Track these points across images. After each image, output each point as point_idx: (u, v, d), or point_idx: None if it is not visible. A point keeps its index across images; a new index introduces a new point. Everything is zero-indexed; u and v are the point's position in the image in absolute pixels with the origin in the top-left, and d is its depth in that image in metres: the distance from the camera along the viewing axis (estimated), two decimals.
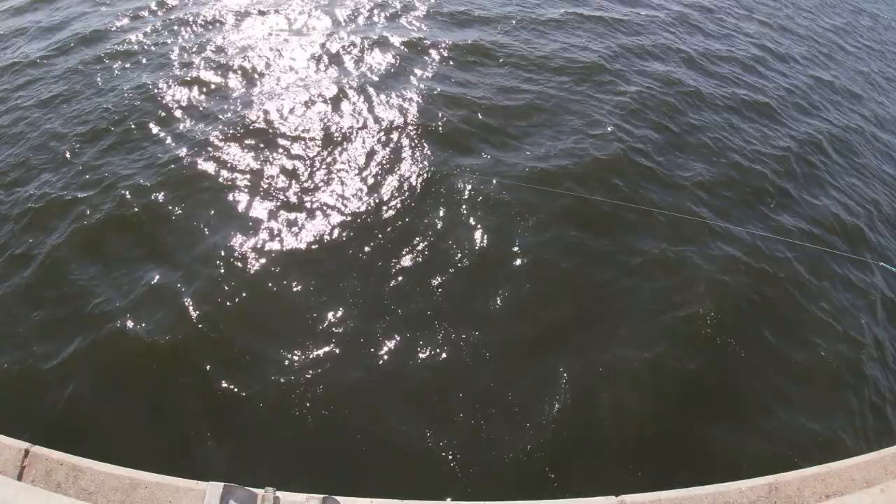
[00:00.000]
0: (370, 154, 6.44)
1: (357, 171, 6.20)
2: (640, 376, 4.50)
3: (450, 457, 3.84)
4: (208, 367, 4.27)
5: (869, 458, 2.97)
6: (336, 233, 5.45)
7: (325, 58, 8.19)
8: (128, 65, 8.01)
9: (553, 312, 4.95)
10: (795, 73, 10.86)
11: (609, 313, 5.04)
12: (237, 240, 5.30)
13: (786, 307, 5.51)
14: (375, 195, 5.89)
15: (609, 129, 7.32)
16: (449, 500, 2.75)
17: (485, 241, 5.51)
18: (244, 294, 4.82)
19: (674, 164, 7.02)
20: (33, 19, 9.67)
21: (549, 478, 3.78)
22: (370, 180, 6.08)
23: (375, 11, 9.74)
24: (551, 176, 6.30)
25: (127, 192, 5.73)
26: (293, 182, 6.01)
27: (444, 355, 4.48)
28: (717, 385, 4.64)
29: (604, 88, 8.26)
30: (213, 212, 5.61)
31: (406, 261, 5.23)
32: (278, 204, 5.74)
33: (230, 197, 5.79)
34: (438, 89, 7.63)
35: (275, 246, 5.29)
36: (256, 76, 7.73)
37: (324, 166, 6.25)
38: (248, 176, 6.08)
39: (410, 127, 6.86)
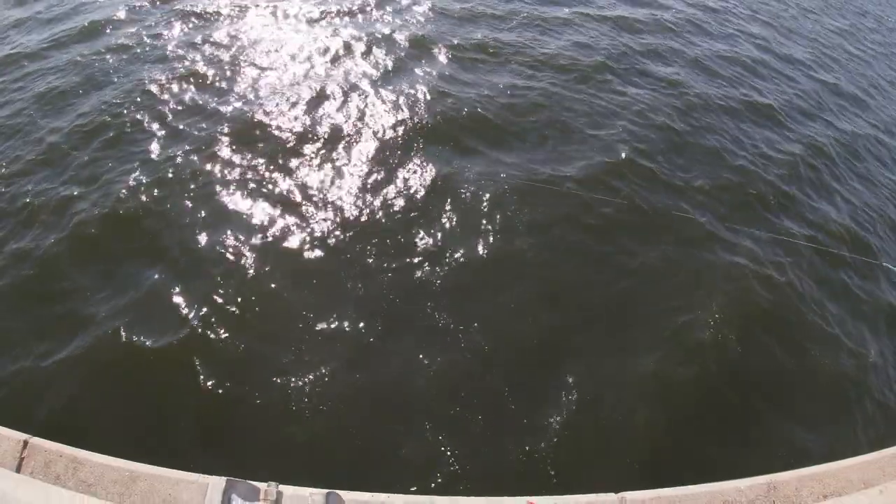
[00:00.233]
0: (372, 153, 6.47)
1: (358, 171, 6.23)
2: (644, 383, 4.55)
3: (451, 458, 3.88)
4: (206, 368, 4.28)
5: (866, 459, 3.03)
6: (337, 233, 5.47)
7: (327, 54, 8.21)
8: (126, 58, 8.00)
9: (557, 316, 4.99)
10: (800, 76, 10.95)
11: (614, 318, 5.08)
12: (236, 239, 5.31)
13: (791, 313, 5.57)
14: (377, 195, 5.91)
15: (614, 130, 7.37)
16: (449, 495, 2.79)
17: (489, 242, 5.54)
18: (243, 295, 4.83)
19: (679, 167, 7.08)
20: (34, 10, 9.68)
21: (553, 483, 3.83)
22: (372, 180, 6.11)
23: (377, 8, 9.76)
24: (556, 178, 6.34)
25: (124, 190, 5.72)
26: (293, 181, 6.03)
27: (446, 358, 4.51)
28: (721, 392, 4.68)
29: (608, 89, 8.31)
30: (211, 211, 5.62)
31: (408, 261, 5.25)
32: (278, 203, 5.75)
33: (229, 196, 5.80)
34: (441, 88, 7.66)
35: (274, 245, 5.32)
36: (256, 73, 7.73)
37: (325, 165, 6.27)
38: (247, 175, 6.08)
39: (413, 126, 6.89)
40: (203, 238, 5.33)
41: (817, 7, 16.18)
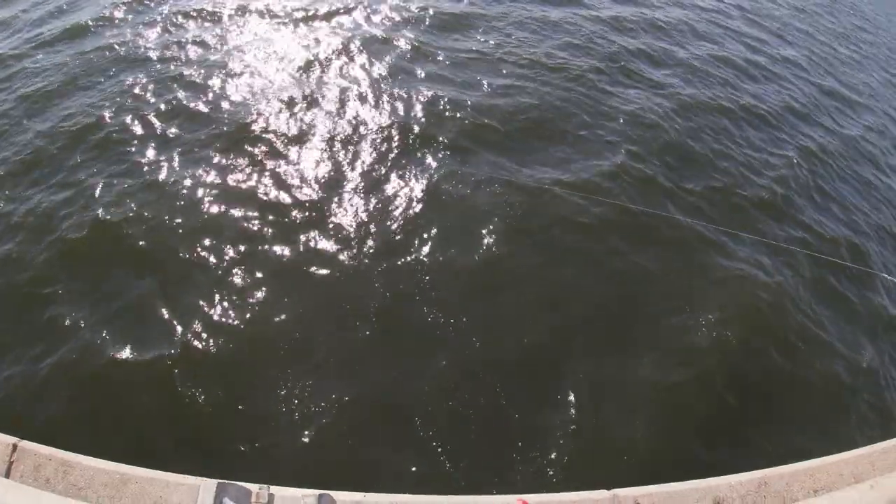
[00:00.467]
0: (364, 158, 6.48)
1: (351, 176, 6.23)
2: (643, 386, 4.62)
3: (447, 461, 3.93)
4: (196, 377, 4.28)
5: (857, 454, 3.11)
6: (330, 238, 5.48)
7: (318, 57, 8.21)
8: (112, 59, 7.96)
9: (556, 319, 5.05)
10: (794, 78, 11.16)
11: (612, 322, 5.15)
12: (226, 246, 5.28)
13: (787, 319, 5.68)
14: (371, 200, 5.93)
15: (609, 133, 7.48)
16: (441, 494, 2.83)
17: (485, 245, 5.58)
18: (233, 302, 4.82)
19: (674, 170, 7.18)
20: (18, 9, 9.67)
21: (552, 483, 3.88)
22: (365, 185, 6.12)
23: (368, 10, 9.79)
24: (552, 181, 6.40)
25: (110, 197, 5.69)
26: (285, 186, 6.02)
27: (443, 362, 4.55)
28: (720, 396, 4.76)
29: (603, 91, 8.41)
30: (201, 217, 5.58)
31: (403, 266, 5.28)
32: (269, 209, 5.74)
33: (219, 202, 5.76)
34: (435, 90, 7.71)
35: (265, 251, 5.30)
36: (246, 76, 7.73)
37: (317, 170, 6.28)
38: (237, 180, 6.06)
39: (405, 129, 6.91)
40: (192, 245, 5.29)
41: (809, 7, 16.48)
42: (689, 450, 4.35)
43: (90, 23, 8.91)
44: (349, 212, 5.79)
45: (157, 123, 6.79)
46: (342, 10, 9.61)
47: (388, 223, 5.71)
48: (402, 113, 7.24)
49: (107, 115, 6.87)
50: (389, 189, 6.11)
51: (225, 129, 6.73)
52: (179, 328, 4.61)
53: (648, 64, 9.62)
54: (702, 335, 5.17)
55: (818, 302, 6.11)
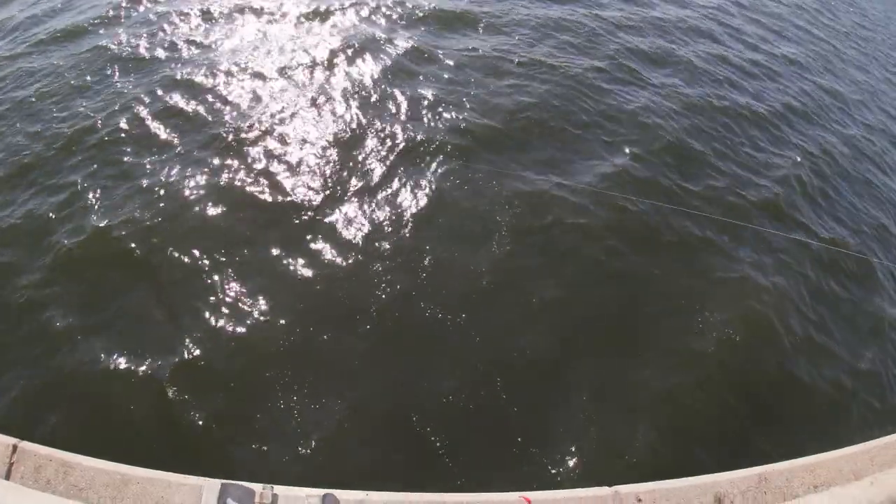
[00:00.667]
0: (368, 161, 6.45)
1: (355, 180, 6.18)
2: (652, 397, 4.64)
3: (453, 466, 3.96)
4: (196, 386, 4.29)
5: (856, 450, 3.16)
6: (333, 245, 5.45)
7: (318, 60, 8.17)
8: (108, 63, 7.92)
9: (562, 327, 5.06)
10: (797, 77, 11.24)
11: (619, 329, 5.17)
12: (226, 256, 5.22)
13: (791, 321, 5.73)
14: (374, 207, 5.91)
15: (613, 135, 7.51)
16: (444, 492, 2.87)
17: (492, 250, 5.59)
18: (236, 310, 4.81)
19: (678, 172, 7.21)
20: (14, 10, 9.70)
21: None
22: (369, 191, 6.08)
23: (368, 11, 9.79)
24: (557, 185, 6.42)
25: (108, 203, 5.65)
26: (285, 191, 5.98)
27: (448, 370, 4.57)
28: (729, 408, 4.79)
29: (607, 92, 8.44)
30: (200, 227, 5.52)
31: (408, 271, 5.26)
32: (271, 214, 5.71)
33: (218, 210, 5.67)
34: (437, 93, 7.71)
35: (267, 258, 5.27)
36: (245, 79, 7.68)
37: (319, 174, 6.23)
38: (237, 186, 5.99)
39: (408, 133, 6.87)
40: (191, 249, 5.26)
41: (808, 4, 16.62)
42: (692, 452, 4.39)
43: (87, 24, 8.92)
44: (349, 214, 5.79)
45: (154, 126, 6.76)
46: (340, 10, 9.62)
47: (388, 226, 5.73)
48: (402, 114, 7.26)
49: (102, 117, 6.86)
50: (389, 191, 6.12)
51: (222, 131, 6.73)
52: (179, 333, 4.60)
53: (649, 63, 9.67)
54: (704, 338, 5.21)
55: (820, 302, 6.16)
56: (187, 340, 4.56)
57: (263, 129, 6.81)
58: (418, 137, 6.84)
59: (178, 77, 7.60)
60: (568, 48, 9.52)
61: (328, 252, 5.41)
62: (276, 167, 6.31)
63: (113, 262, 5.20)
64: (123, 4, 9.48)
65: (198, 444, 4.03)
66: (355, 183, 6.19)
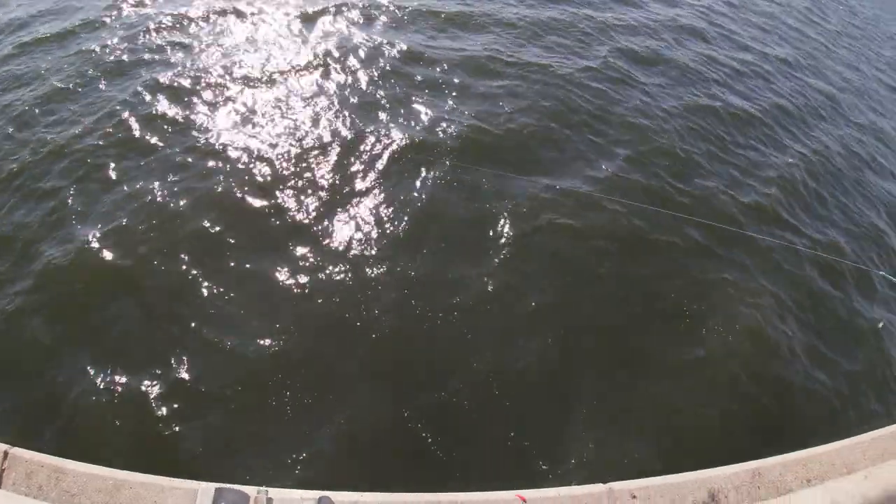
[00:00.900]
0: (363, 171, 6.40)
1: (351, 191, 6.11)
2: (656, 410, 4.67)
3: (459, 475, 3.98)
4: (192, 403, 4.27)
5: (847, 444, 3.24)
6: (329, 254, 5.42)
7: (312, 68, 8.09)
8: (96, 69, 7.84)
9: (568, 339, 5.06)
10: (794, 80, 11.41)
11: (622, 341, 5.19)
12: (220, 276, 5.14)
13: (795, 332, 5.80)
14: (373, 215, 5.90)
15: (611, 142, 7.56)
16: (438, 491, 2.92)
17: (491, 261, 5.59)
18: (231, 326, 4.77)
19: (677, 178, 7.25)
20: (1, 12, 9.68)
21: None
22: (366, 200, 6.05)
23: (362, 16, 9.77)
24: (559, 193, 6.43)
25: (93, 221, 5.56)
26: (277, 203, 5.90)
27: (451, 385, 4.58)
28: (733, 419, 4.79)
29: (605, 96, 8.51)
30: (193, 245, 5.43)
31: (406, 284, 5.25)
32: (264, 226, 5.64)
33: (210, 228, 5.57)
34: (432, 97, 7.73)
35: (261, 270, 5.22)
36: (239, 87, 7.58)
37: (312, 185, 6.14)
38: (229, 204, 5.89)
39: (406, 143, 6.80)
40: (181, 266, 5.19)
41: (800, 4, 16.92)
42: (691, 460, 4.43)
43: (74, 28, 8.87)
44: (341, 222, 5.76)
45: (141, 132, 6.70)
46: (328, 13, 9.62)
47: (382, 233, 5.72)
48: (393, 118, 7.26)
49: (89, 122, 6.81)
50: (382, 198, 6.09)
51: (210, 137, 6.66)
52: (169, 345, 4.59)
53: (641, 64, 9.77)
54: (703, 347, 5.26)
55: (816, 307, 6.24)
56: (178, 352, 4.55)
57: (253, 134, 6.78)
58: (410, 142, 6.84)
59: (166, 82, 7.56)
60: (560, 49, 9.63)
61: (320, 261, 5.39)
62: (265, 174, 6.26)
63: (100, 273, 5.14)
64: (111, 9, 9.47)
65: (189, 456, 3.99)
66: (347, 190, 6.18)
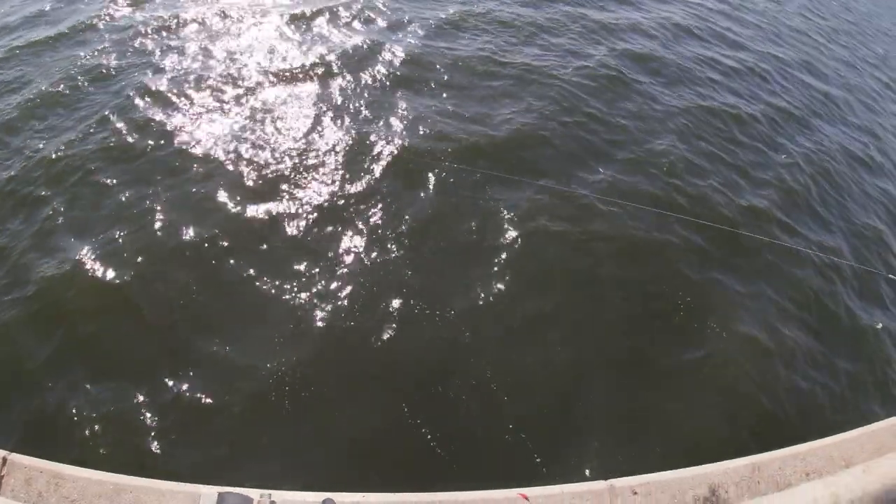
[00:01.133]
0: (362, 183, 6.36)
1: (350, 202, 6.13)
2: (667, 429, 4.69)
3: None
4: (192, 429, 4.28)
5: (845, 437, 3.33)
6: (331, 269, 5.40)
7: (312, 75, 8.07)
8: (87, 75, 7.84)
9: (576, 350, 5.10)
10: (796, 82, 11.56)
11: (630, 353, 5.22)
12: (214, 287, 5.13)
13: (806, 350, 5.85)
14: (373, 225, 5.87)
15: (614, 146, 7.64)
16: (442, 491, 2.97)
17: (498, 268, 5.62)
18: (230, 346, 4.76)
19: (677, 180, 7.30)
20: None
21: None
22: (365, 210, 6.01)
23: (361, 21, 9.79)
24: (561, 201, 6.43)
25: (87, 235, 5.52)
26: (273, 217, 5.88)
27: (458, 405, 4.61)
28: (741, 437, 4.78)
29: (603, 99, 8.59)
30: (187, 257, 5.41)
31: (408, 302, 5.22)
32: (260, 243, 5.58)
33: (210, 246, 5.55)
34: (431, 101, 7.76)
35: (258, 290, 5.18)
36: (228, 92, 7.54)
37: (308, 199, 6.06)
38: (221, 211, 5.88)
39: (407, 150, 6.80)
40: (178, 280, 5.16)
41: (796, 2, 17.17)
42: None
43: (65, 33, 8.87)
44: (343, 232, 5.71)
45: (133, 141, 6.66)
46: (324, 17, 9.63)
47: (383, 243, 5.70)
48: (392, 124, 7.23)
49: (81, 129, 6.82)
50: (385, 207, 6.03)
51: (204, 146, 6.63)
52: (167, 363, 4.60)
53: (644, 69, 9.83)
54: (706, 353, 5.31)
55: (820, 313, 6.31)
56: (178, 363, 4.58)
57: (249, 140, 6.76)
58: (408, 146, 6.85)
59: (159, 88, 7.55)
60: (558, 50, 9.73)
61: (319, 267, 5.39)
62: (261, 180, 6.25)
63: (94, 284, 5.12)
64: (104, 13, 9.46)
65: (190, 467, 3.99)
66: (345, 195, 6.17)
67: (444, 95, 8.05)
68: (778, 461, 3.14)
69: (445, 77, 8.42)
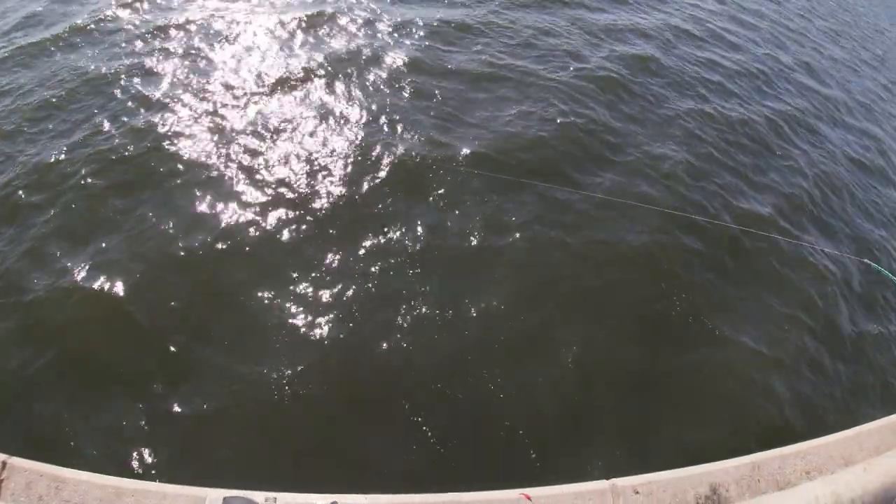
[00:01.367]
0: (366, 193, 6.37)
1: (356, 216, 6.10)
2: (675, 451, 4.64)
3: None
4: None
5: (844, 435, 3.42)
6: (336, 286, 5.37)
7: (308, 79, 8.05)
8: (81, 81, 7.75)
9: (587, 357, 5.15)
10: (804, 87, 11.73)
11: (643, 359, 5.27)
12: (215, 307, 5.11)
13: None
14: (381, 238, 5.86)
15: (625, 160, 7.70)
16: (444, 492, 3.04)
17: (507, 285, 5.62)
18: (233, 376, 4.72)
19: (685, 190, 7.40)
20: None
21: None
22: (373, 224, 6.02)
23: (361, 26, 9.79)
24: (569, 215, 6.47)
25: (82, 254, 5.43)
26: (276, 234, 5.83)
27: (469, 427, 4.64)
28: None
29: (612, 104, 8.69)
30: (191, 278, 5.36)
31: (412, 321, 5.22)
32: (256, 260, 5.56)
33: (205, 255, 5.53)
34: (435, 108, 7.78)
35: (255, 307, 5.15)
36: (228, 101, 7.47)
37: (316, 210, 6.10)
38: (221, 227, 5.81)
39: (411, 162, 6.78)
40: (181, 300, 5.13)
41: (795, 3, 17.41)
42: None
43: (60, 38, 8.83)
44: (350, 243, 5.74)
45: (131, 151, 6.57)
46: (328, 24, 9.59)
47: (393, 252, 5.71)
48: (396, 133, 7.24)
49: (74, 138, 6.78)
50: (392, 216, 6.08)
51: (201, 156, 6.60)
52: (172, 373, 4.63)
53: (644, 72, 9.92)
54: (713, 362, 5.40)
55: (827, 321, 6.42)
56: (179, 375, 4.61)
57: (250, 149, 6.71)
58: (414, 154, 6.83)
59: (155, 95, 7.49)
60: (561, 55, 9.78)
61: (323, 279, 5.38)
62: (262, 191, 6.20)
63: (90, 298, 5.10)
64: (99, 17, 9.43)
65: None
66: (347, 206, 6.14)
67: (445, 100, 8.07)
68: (778, 459, 3.22)
69: (445, 81, 8.44)
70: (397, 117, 7.56)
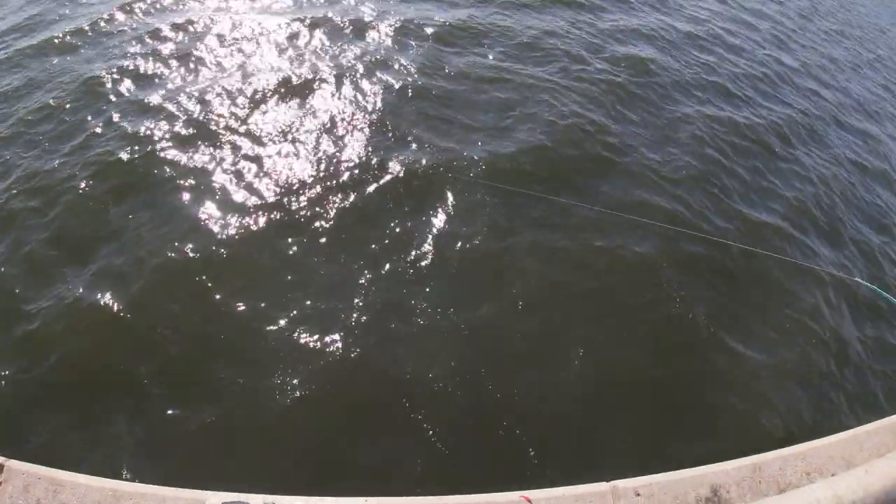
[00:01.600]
0: (372, 203, 6.38)
1: (362, 228, 6.06)
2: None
3: None
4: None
5: (844, 436, 3.46)
6: (342, 301, 5.34)
7: (312, 85, 8.08)
8: (81, 86, 7.80)
9: (602, 373, 5.14)
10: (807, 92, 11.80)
11: (658, 376, 5.27)
12: (222, 327, 5.05)
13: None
14: (388, 250, 5.82)
15: (634, 170, 7.70)
16: (443, 495, 3.08)
17: (518, 297, 5.61)
18: (238, 391, 4.71)
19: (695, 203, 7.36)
20: None
21: None
22: (379, 235, 6.01)
23: (369, 26, 9.86)
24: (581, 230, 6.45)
25: (84, 270, 5.38)
26: (271, 248, 5.79)
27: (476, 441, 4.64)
28: None
29: (617, 110, 8.75)
30: (193, 292, 5.32)
31: (415, 335, 5.21)
32: (256, 275, 5.53)
33: (214, 267, 5.50)
34: (441, 115, 7.82)
35: (254, 323, 5.12)
36: (231, 107, 7.52)
37: (320, 222, 6.10)
38: (232, 241, 5.77)
39: (412, 167, 6.79)
40: (184, 316, 5.08)
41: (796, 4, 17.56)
42: None
43: (57, 40, 8.91)
44: (359, 255, 5.70)
45: (129, 159, 6.53)
46: (329, 28, 9.60)
47: (405, 265, 5.69)
48: (401, 141, 7.23)
49: (70, 145, 6.81)
50: (402, 228, 6.09)
51: (205, 165, 6.58)
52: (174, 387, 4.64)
53: (648, 76, 9.99)
54: (728, 387, 5.39)
55: (842, 342, 6.38)
56: (177, 388, 4.62)
57: (254, 157, 6.69)
58: (414, 162, 6.81)
59: (153, 101, 7.49)
60: (567, 59, 9.82)
61: (322, 289, 5.37)
62: (266, 201, 6.15)
63: (93, 315, 5.09)
64: (96, 21, 9.47)
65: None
66: (350, 215, 6.12)
67: (446, 103, 8.09)
68: (779, 461, 3.26)
69: (449, 87, 8.45)
70: (398, 122, 7.58)
